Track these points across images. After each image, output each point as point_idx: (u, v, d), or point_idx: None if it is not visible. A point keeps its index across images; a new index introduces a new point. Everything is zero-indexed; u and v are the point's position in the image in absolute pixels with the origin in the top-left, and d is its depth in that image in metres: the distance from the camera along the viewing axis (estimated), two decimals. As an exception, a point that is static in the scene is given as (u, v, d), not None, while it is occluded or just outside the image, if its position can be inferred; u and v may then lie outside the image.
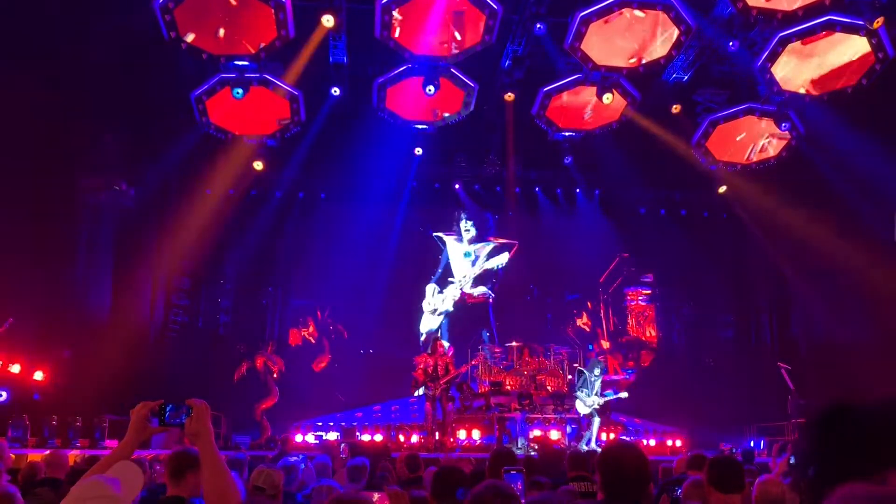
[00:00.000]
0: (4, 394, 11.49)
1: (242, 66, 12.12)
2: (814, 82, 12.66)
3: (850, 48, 11.98)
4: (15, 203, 12.45)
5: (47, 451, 6.43)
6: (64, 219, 13.55)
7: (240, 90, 12.09)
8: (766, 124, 13.90)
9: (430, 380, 13.07)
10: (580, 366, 14.61)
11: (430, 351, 13.89)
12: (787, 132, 13.48)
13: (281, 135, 13.57)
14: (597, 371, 13.03)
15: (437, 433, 13.05)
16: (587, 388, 12.88)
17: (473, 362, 15.97)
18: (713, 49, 13.55)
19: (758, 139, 14.37)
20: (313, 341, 17.17)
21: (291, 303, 17.86)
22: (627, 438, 15.10)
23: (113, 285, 14.68)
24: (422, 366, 13.43)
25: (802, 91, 12.69)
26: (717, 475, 3.10)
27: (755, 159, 14.52)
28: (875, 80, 11.90)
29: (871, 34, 11.38)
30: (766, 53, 12.05)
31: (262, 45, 11.57)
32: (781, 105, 13.20)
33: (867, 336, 14.39)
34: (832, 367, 14.08)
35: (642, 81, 13.83)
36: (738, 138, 14.35)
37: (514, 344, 16.34)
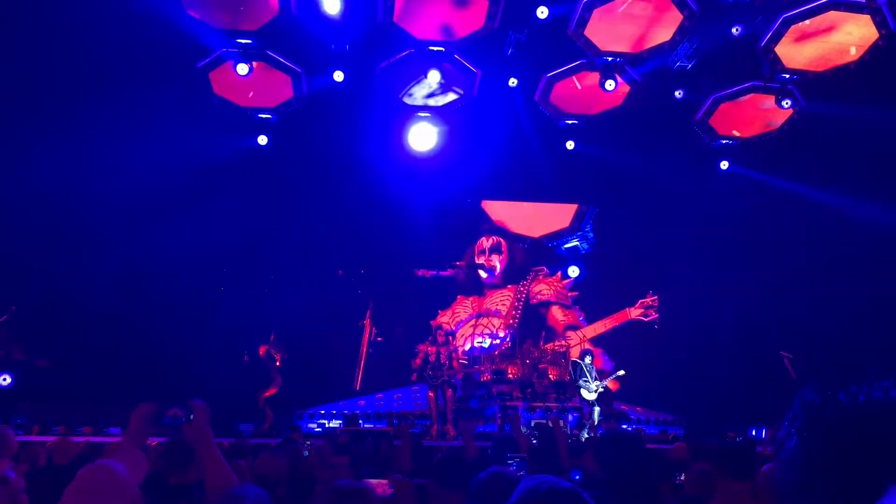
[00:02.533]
0: (9, 378, 11.48)
1: (245, 43, 12.30)
2: (817, 60, 12.72)
3: (854, 25, 12.05)
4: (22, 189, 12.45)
5: (52, 439, 6.44)
6: (69, 205, 13.53)
7: (245, 66, 12.28)
8: (769, 101, 14.06)
9: (434, 369, 13.05)
10: (573, 357, 14.60)
11: (431, 340, 13.85)
12: (789, 108, 13.70)
13: (284, 109, 13.75)
14: (587, 359, 13.15)
15: (439, 422, 13.09)
16: (586, 376, 13.00)
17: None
18: (718, 36, 13.51)
19: (761, 115, 14.49)
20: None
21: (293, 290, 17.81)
22: (628, 427, 15.13)
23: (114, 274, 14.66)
24: (422, 355, 13.39)
25: (805, 69, 12.81)
26: (727, 463, 3.07)
27: (758, 133, 14.68)
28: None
29: (874, 11, 11.46)
30: (770, 34, 12.16)
31: (266, 21, 11.75)
32: (784, 82, 13.32)
33: (870, 323, 14.37)
34: (835, 356, 14.06)
35: (646, 69, 13.80)
36: (741, 115, 14.48)
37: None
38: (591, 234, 18.30)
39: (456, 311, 17.75)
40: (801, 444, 1.11)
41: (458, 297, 17.88)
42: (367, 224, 17.06)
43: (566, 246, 18.58)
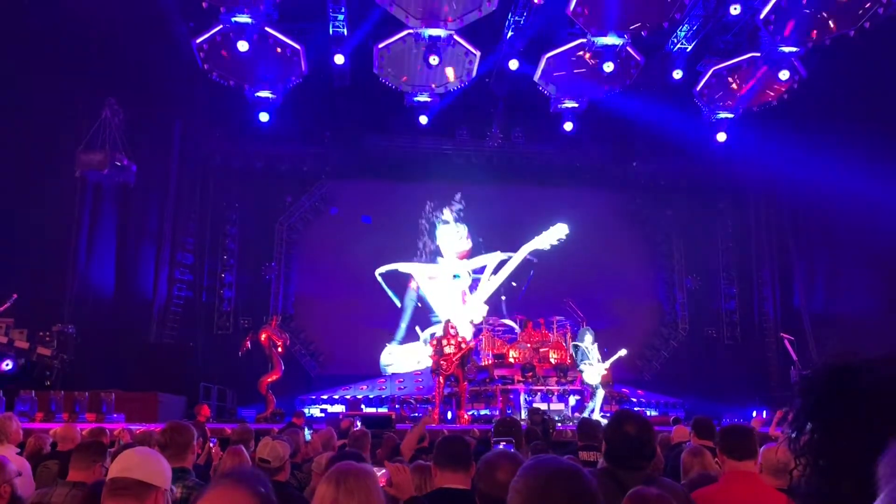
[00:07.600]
0: (10, 362, 11.45)
1: (244, 23, 12.41)
2: (818, 28, 12.64)
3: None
4: (16, 179, 12.41)
5: (58, 426, 6.47)
6: (66, 194, 13.51)
7: (245, 43, 12.24)
8: (768, 71, 13.98)
9: (443, 357, 13.03)
10: (574, 340, 14.52)
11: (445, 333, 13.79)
12: (788, 78, 13.61)
13: (283, 86, 13.77)
14: (588, 338, 13.02)
15: (440, 407, 13.14)
16: (587, 359, 12.91)
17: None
18: (717, 18, 13.42)
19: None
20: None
21: (294, 277, 17.83)
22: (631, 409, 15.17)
23: (116, 260, 14.68)
24: (436, 348, 13.32)
25: (805, 38, 12.76)
26: (730, 443, 3.08)
27: (757, 103, 14.59)
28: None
29: None
30: (771, 5, 12.14)
31: None
32: (783, 53, 13.31)
33: (871, 305, 14.38)
34: (835, 337, 14.10)
35: (646, 51, 13.72)
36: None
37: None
38: None
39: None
40: (803, 409, 1.16)
41: None
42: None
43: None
